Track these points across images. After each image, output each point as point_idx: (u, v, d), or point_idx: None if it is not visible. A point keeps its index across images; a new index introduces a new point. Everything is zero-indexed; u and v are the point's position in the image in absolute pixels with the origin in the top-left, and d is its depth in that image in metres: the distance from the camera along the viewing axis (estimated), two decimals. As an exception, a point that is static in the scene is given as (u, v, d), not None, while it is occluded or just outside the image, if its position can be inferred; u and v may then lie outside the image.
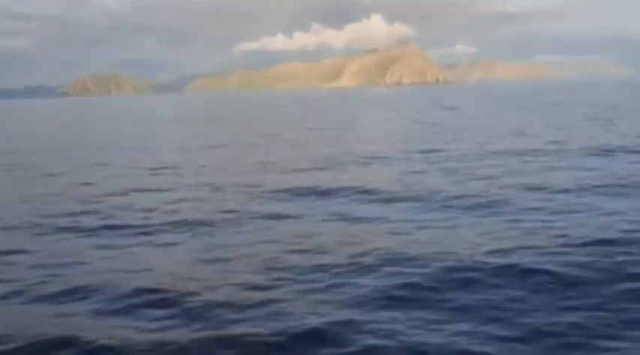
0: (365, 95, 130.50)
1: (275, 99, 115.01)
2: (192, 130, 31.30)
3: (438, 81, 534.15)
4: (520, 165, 13.81)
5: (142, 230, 8.92)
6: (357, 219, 9.14)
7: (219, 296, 6.07)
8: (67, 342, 5.08)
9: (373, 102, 73.83)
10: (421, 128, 26.86)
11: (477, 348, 4.88)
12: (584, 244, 7.23)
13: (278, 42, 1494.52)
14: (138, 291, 6.24)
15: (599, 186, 10.68)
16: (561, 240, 7.44)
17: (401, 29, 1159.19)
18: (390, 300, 5.83)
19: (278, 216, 9.49)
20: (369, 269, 6.76)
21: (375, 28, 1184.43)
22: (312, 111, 51.26)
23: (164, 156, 18.27)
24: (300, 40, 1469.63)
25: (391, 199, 10.53)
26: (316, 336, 5.11)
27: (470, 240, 7.69)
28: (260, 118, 42.82)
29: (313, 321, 5.35)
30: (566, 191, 10.42)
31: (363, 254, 7.32)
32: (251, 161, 16.25)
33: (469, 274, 6.42)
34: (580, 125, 24.11)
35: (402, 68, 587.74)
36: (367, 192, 11.22)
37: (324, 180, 12.64)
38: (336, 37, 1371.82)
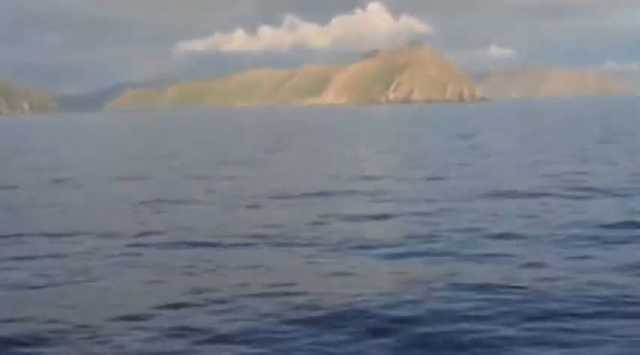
0: (356, 118, 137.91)
1: (224, 123, 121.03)
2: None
3: (461, 97, 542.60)
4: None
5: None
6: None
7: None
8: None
9: (362, 132, 79.69)
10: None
11: None
12: None
13: (236, 40, 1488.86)
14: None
15: None
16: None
17: (410, 24, 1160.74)
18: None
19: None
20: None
21: (374, 22, 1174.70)
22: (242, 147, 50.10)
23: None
24: (268, 37, 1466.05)
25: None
26: None
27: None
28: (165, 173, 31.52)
29: None
30: None
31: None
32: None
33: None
34: None
35: (413, 79, 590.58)
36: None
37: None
38: (318, 35, 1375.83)
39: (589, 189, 21.29)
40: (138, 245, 15.05)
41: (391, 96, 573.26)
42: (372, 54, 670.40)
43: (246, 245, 14.83)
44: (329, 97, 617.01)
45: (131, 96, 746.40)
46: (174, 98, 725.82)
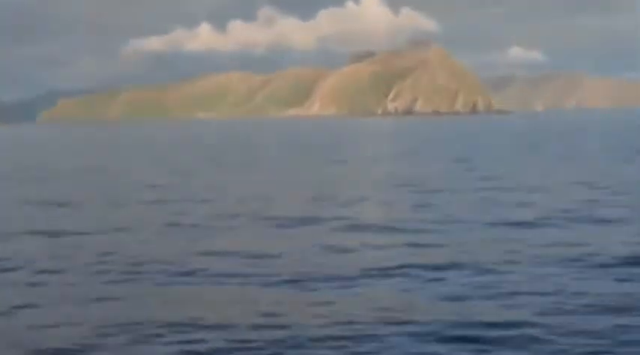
0: (344, 132, 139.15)
1: (166, 140, 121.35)
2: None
3: (475, 109, 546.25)
4: None
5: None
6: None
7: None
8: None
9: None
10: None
11: None
12: None
13: (201, 37, 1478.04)
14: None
15: None
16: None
17: (413, 19, 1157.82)
18: None
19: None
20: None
21: (369, 16, 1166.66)
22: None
23: None
24: (240, 34, 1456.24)
25: None
26: None
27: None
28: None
29: None
30: None
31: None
32: None
33: None
34: None
35: (416, 86, 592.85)
36: None
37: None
38: (301, 31, 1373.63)
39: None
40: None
41: (390, 106, 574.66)
42: (366, 55, 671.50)
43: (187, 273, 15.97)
44: (314, 108, 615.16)
45: (72, 105, 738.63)
46: (125, 107, 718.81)
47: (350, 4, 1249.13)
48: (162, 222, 24.07)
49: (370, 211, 26.52)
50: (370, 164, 51.79)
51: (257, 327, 12.29)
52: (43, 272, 16.85)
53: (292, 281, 15.42)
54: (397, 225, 22.50)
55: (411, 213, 25.45)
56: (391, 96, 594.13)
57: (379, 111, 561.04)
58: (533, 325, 12.02)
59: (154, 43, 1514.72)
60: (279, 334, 11.89)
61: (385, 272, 15.94)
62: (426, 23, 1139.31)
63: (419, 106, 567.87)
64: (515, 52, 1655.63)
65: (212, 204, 29.15)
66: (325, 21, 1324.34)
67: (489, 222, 22.60)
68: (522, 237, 19.90)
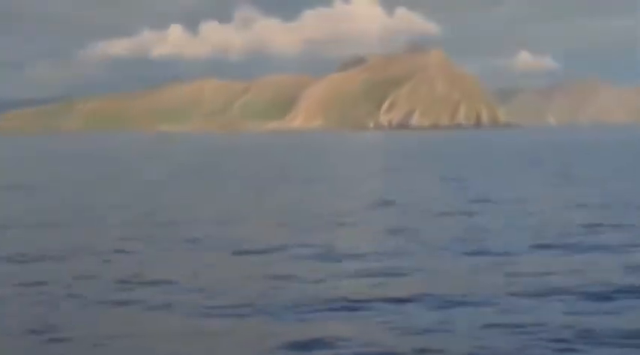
0: (325, 148, 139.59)
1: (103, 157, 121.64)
2: None
3: (479, 122, 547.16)
4: None
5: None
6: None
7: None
8: None
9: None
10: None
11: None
12: None
13: (171, 40, 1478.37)
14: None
15: None
16: None
17: (411, 21, 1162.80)
18: None
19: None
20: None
21: (360, 17, 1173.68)
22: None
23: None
24: (215, 37, 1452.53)
25: None
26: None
27: None
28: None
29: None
30: None
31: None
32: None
33: None
34: None
35: (413, 96, 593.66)
36: None
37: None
38: (283, 34, 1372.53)
39: None
40: None
41: (383, 119, 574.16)
42: (357, 61, 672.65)
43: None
44: (297, 120, 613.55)
45: (23, 115, 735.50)
46: (84, 120, 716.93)
47: (339, 4, 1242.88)
48: (107, 248, 24.18)
49: (341, 237, 26.72)
50: (350, 184, 52.03)
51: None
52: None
53: (241, 315, 15.67)
54: (368, 252, 22.82)
55: (385, 239, 25.82)
56: (385, 107, 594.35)
57: (371, 125, 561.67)
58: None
59: (117, 47, 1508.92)
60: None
61: (346, 305, 16.25)
62: (425, 25, 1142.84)
63: (416, 119, 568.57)
64: (524, 58, 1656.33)
65: (165, 227, 29.36)
66: (311, 22, 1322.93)
67: (473, 250, 22.90)
68: (501, 267, 20.24)
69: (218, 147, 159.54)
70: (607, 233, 25.76)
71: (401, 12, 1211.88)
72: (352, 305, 16.21)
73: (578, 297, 16.65)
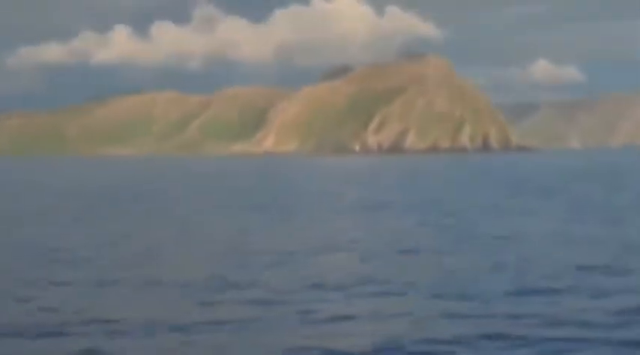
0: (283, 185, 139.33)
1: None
2: None
3: (487, 144, 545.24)
4: None
5: None
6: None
7: None
8: None
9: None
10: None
11: None
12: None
13: (116, 44, 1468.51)
14: None
15: None
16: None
17: (405, 23, 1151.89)
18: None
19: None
20: None
21: (346, 19, 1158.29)
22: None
23: None
24: (169, 41, 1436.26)
25: None
26: None
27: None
28: None
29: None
30: None
31: None
32: None
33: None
34: None
35: (407, 112, 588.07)
36: None
37: None
38: (252, 38, 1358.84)
39: None
40: None
41: (371, 140, 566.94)
42: (340, 71, 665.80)
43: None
44: (267, 142, 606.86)
45: None
46: (9, 139, 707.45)
47: (317, 2, 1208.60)
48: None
49: (284, 276, 27.55)
50: (313, 220, 52.07)
51: None
52: None
53: None
54: (314, 299, 23.68)
55: (347, 280, 26.49)
56: (373, 126, 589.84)
57: (357, 148, 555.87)
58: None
59: (51, 52, 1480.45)
60: None
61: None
62: (422, 27, 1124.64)
63: (410, 141, 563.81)
64: (542, 67, 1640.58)
65: (90, 263, 30.48)
66: (284, 24, 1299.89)
67: (442, 293, 23.98)
68: (475, 314, 21.22)
69: (158, 174, 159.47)
70: (596, 276, 26.78)
71: (393, 11, 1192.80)
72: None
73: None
